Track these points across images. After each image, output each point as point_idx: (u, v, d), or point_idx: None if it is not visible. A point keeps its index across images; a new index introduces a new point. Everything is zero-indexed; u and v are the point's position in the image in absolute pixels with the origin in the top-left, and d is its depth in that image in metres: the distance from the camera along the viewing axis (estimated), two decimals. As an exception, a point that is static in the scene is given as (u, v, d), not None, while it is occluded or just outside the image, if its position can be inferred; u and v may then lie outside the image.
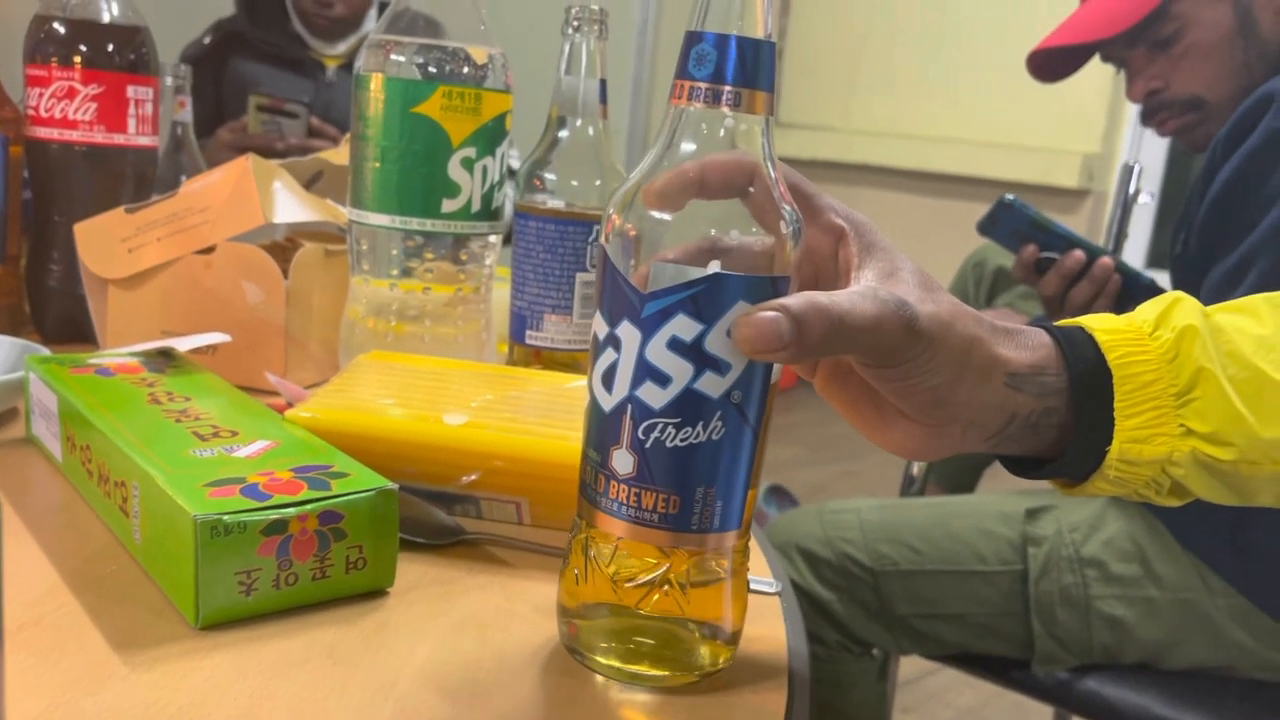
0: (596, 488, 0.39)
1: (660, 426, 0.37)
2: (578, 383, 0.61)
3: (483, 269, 0.71)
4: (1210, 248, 0.98)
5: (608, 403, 0.38)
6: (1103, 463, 0.40)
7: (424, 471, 0.53)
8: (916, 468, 1.20)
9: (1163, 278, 1.13)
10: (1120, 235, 1.44)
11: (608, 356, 0.38)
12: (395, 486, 0.45)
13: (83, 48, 0.80)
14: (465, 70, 0.67)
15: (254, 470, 0.45)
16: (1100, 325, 0.41)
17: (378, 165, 0.67)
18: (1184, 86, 1.07)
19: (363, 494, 0.44)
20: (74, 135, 0.81)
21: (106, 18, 0.81)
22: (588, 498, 0.40)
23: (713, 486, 0.38)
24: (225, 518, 0.40)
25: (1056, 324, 0.42)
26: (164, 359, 0.62)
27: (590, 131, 0.70)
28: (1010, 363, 0.39)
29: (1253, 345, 0.41)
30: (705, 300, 0.36)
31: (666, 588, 0.39)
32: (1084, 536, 0.99)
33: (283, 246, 0.83)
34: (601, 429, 0.39)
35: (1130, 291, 1.05)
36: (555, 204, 0.69)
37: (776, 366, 0.38)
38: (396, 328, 0.70)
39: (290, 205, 0.77)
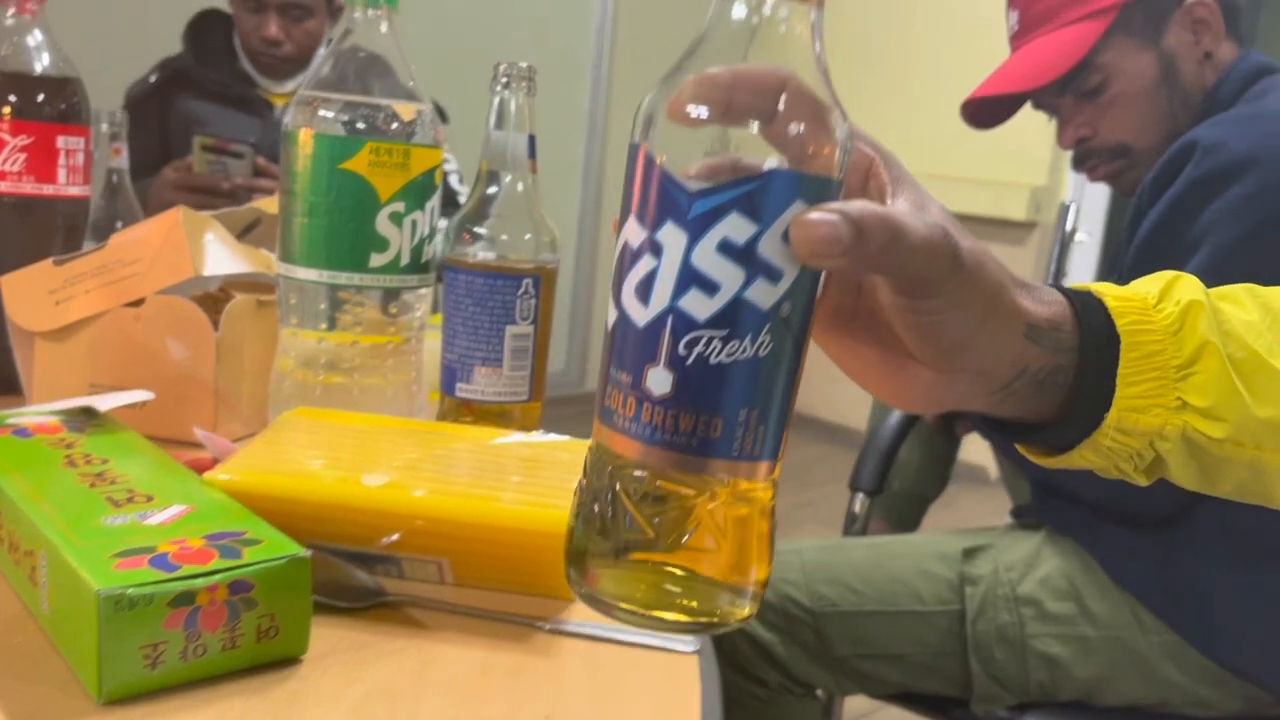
0: (624, 413, 0.36)
1: (705, 340, 0.34)
2: (505, 438, 0.62)
3: (413, 319, 0.71)
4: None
5: (642, 316, 0.35)
6: (1097, 429, 0.40)
7: (343, 533, 0.53)
8: (859, 504, 1.22)
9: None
10: (1059, 273, 1.47)
11: (644, 266, 0.35)
12: (308, 553, 0.45)
13: (12, 98, 0.79)
14: (393, 126, 0.67)
15: (165, 538, 0.45)
16: (1109, 292, 0.41)
17: (305, 220, 0.67)
18: (1111, 134, 1.10)
19: (274, 561, 0.44)
20: (2, 186, 0.80)
21: (38, 68, 0.81)
22: (611, 425, 0.36)
23: (756, 408, 0.35)
24: (130, 591, 0.40)
25: (1069, 287, 0.42)
26: (86, 417, 0.61)
27: (520, 186, 0.71)
28: (1030, 314, 0.39)
29: (1243, 328, 0.42)
30: (761, 199, 0.34)
31: (703, 521, 0.36)
32: (1020, 575, 1.01)
33: (215, 297, 0.82)
34: (633, 346, 0.35)
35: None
36: (485, 257, 0.70)
37: (820, 284, 0.36)
38: (326, 379, 0.70)
39: (222, 257, 0.77)
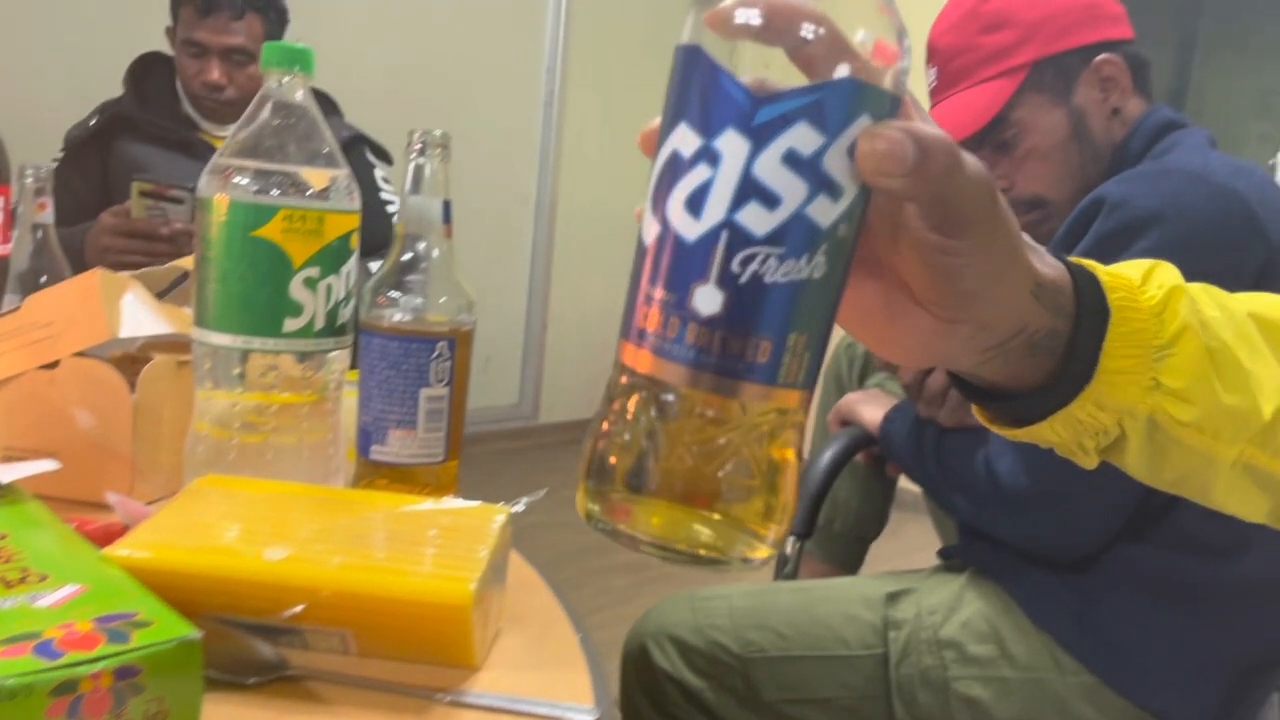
0: (663, 334, 0.33)
1: (761, 257, 0.32)
2: (414, 506, 0.62)
3: (329, 378, 0.72)
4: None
5: (693, 230, 0.33)
6: (1075, 400, 0.41)
7: (246, 606, 0.54)
8: (790, 547, 1.23)
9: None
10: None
11: (697, 176, 0.33)
12: (199, 635, 0.45)
13: (-71, 161, 0.80)
14: (308, 192, 0.68)
15: (53, 623, 0.45)
16: (1099, 268, 0.42)
17: (219, 286, 0.68)
18: (1027, 187, 1.14)
19: (163, 645, 0.44)
20: (-82, 247, 0.80)
21: (-45, 129, 0.81)
22: (646, 347, 0.34)
23: (805, 334, 0.34)
24: (9, 681, 0.40)
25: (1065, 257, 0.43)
26: (-9, 488, 0.61)
27: (435, 250, 0.72)
28: (1038, 273, 0.39)
29: (1211, 320, 0.43)
30: (830, 108, 0.32)
31: (742, 451, 0.34)
32: (942, 619, 1.03)
33: (135, 358, 0.82)
34: (679, 262, 0.33)
35: (982, 379, 1.10)
36: (399, 320, 0.70)
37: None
38: (241, 439, 0.70)
39: (140, 318, 0.77)
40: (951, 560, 1.14)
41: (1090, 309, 0.41)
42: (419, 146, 0.71)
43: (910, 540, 2.60)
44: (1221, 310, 0.44)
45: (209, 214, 0.68)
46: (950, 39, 1.15)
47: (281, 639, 0.55)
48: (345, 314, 0.71)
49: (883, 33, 0.33)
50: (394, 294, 0.71)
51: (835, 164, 0.32)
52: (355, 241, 0.71)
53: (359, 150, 1.91)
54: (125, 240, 1.55)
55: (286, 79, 0.70)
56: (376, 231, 1.56)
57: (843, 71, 0.32)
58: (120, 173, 1.79)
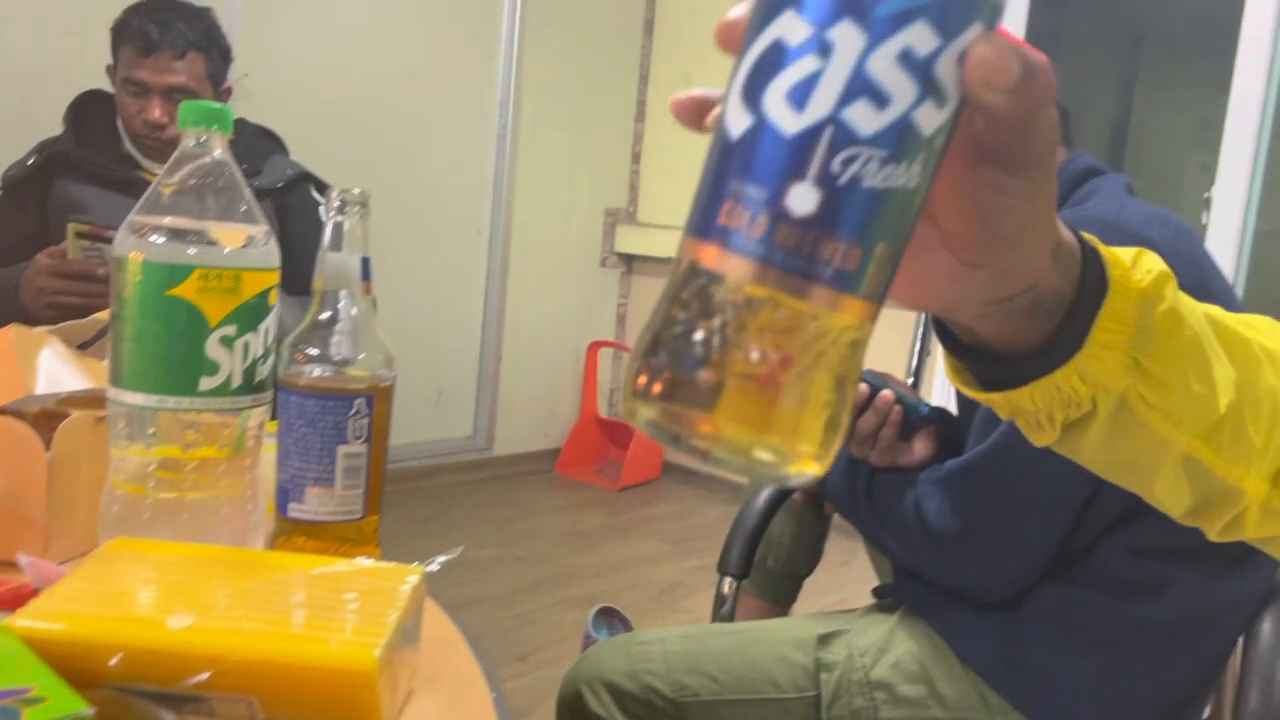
0: (747, 232, 0.32)
1: (863, 159, 0.31)
2: (327, 568, 0.62)
3: (246, 433, 0.72)
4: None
5: (794, 124, 0.31)
6: (1059, 368, 0.41)
7: (150, 675, 0.53)
8: (727, 586, 1.24)
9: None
10: (922, 352, 1.54)
11: (804, 66, 0.31)
12: (91, 713, 0.45)
13: None
14: (225, 251, 0.68)
15: (-59, 701, 0.44)
16: (1100, 243, 0.43)
17: (134, 345, 0.68)
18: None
19: (53, 723, 0.44)
20: None
21: None
22: (726, 245, 0.32)
23: (892, 245, 0.33)
24: (-112, 768, 0.40)
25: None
26: (-106, 554, 0.60)
27: (354, 309, 0.72)
28: (1060, 234, 0.40)
29: (1186, 311, 0.44)
30: (953, 9, 0.31)
31: (819, 361, 0.32)
32: (873, 660, 1.04)
33: (53, 413, 0.82)
34: (775, 158, 0.32)
35: (910, 420, 1.12)
36: (317, 377, 0.71)
37: None
38: (156, 496, 0.70)
39: (57, 374, 0.77)
40: (885, 599, 1.15)
41: (1092, 279, 0.41)
42: (338, 204, 0.71)
43: (860, 570, 2.63)
44: (1189, 306, 0.46)
45: (124, 273, 0.68)
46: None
47: (187, 707, 0.55)
48: (264, 371, 0.71)
49: None
50: (312, 350, 0.71)
51: (946, 69, 0.32)
52: (274, 298, 0.71)
53: (304, 188, 1.91)
54: (61, 281, 1.53)
55: (204, 137, 0.70)
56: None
57: None
58: (59, 212, 1.77)
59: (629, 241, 3.94)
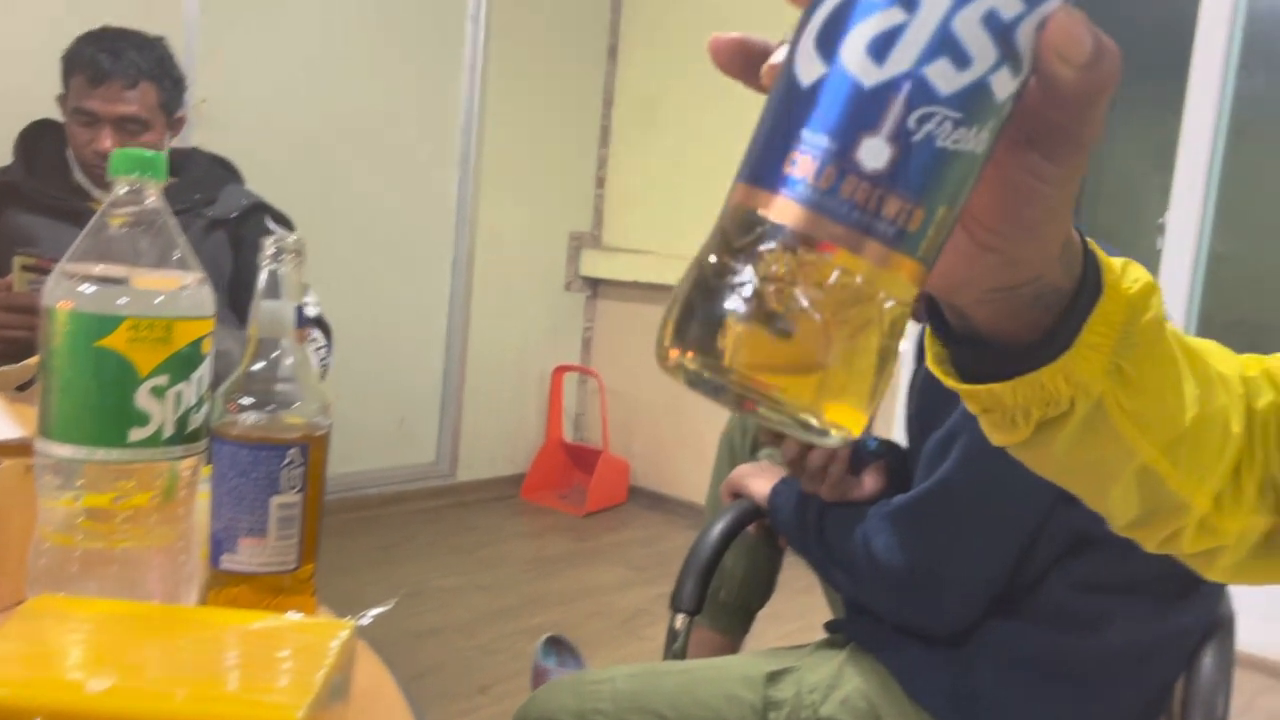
0: (815, 183, 0.31)
1: (939, 118, 0.31)
2: (257, 624, 0.62)
3: (178, 480, 0.71)
4: (927, 416, 1.07)
5: (873, 76, 0.31)
6: (1048, 364, 0.42)
7: (66, 739, 0.52)
8: (679, 622, 1.24)
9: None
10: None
11: (887, 18, 0.31)
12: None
13: None
14: (156, 301, 0.68)
15: None
16: (1095, 246, 0.44)
17: (62, 396, 0.67)
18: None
19: (-43, 798, 0.43)
20: None
21: None
22: (792, 194, 0.31)
23: (953, 210, 0.32)
24: None
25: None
26: None
27: (289, 359, 0.72)
28: (1070, 230, 0.41)
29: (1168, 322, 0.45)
30: None
31: (875, 321, 0.32)
32: (822, 697, 1.04)
33: (-17, 461, 0.80)
34: (850, 109, 0.31)
35: (859, 455, 1.12)
36: (250, 426, 0.70)
37: None
38: (85, 547, 0.69)
39: (-13, 422, 0.76)
40: (836, 634, 1.15)
41: (1090, 280, 0.42)
42: (272, 252, 0.71)
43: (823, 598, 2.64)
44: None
45: (52, 323, 0.67)
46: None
47: (106, 771, 0.54)
48: (196, 420, 0.70)
49: None
50: (245, 400, 0.70)
51: (1024, 37, 0.32)
52: (208, 346, 0.71)
53: (259, 218, 1.90)
54: (6, 315, 1.51)
55: (137, 184, 0.70)
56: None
57: None
58: (7, 243, 1.74)
59: (594, 265, 3.95)
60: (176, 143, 1.91)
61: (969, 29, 0.31)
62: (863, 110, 0.31)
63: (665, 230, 3.75)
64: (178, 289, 0.69)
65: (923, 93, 0.31)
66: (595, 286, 4.03)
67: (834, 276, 0.31)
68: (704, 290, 0.32)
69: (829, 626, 1.19)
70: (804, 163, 0.31)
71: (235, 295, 1.73)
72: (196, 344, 0.70)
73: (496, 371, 3.75)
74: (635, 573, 3.14)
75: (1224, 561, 0.53)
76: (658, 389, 3.83)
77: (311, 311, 1.88)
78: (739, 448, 1.49)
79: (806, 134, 0.31)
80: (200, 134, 2.57)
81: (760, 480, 1.26)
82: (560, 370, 3.89)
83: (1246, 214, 2.95)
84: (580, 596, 2.90)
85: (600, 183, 4.02)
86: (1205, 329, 2.93)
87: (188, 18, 2.79)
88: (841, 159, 0.31)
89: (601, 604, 2.87)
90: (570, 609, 2.80)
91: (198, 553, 0.74)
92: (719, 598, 1.40)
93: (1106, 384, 0.43)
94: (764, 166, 0.32)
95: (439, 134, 3.48)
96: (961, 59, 0.31)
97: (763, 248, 0.31)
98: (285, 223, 1.96)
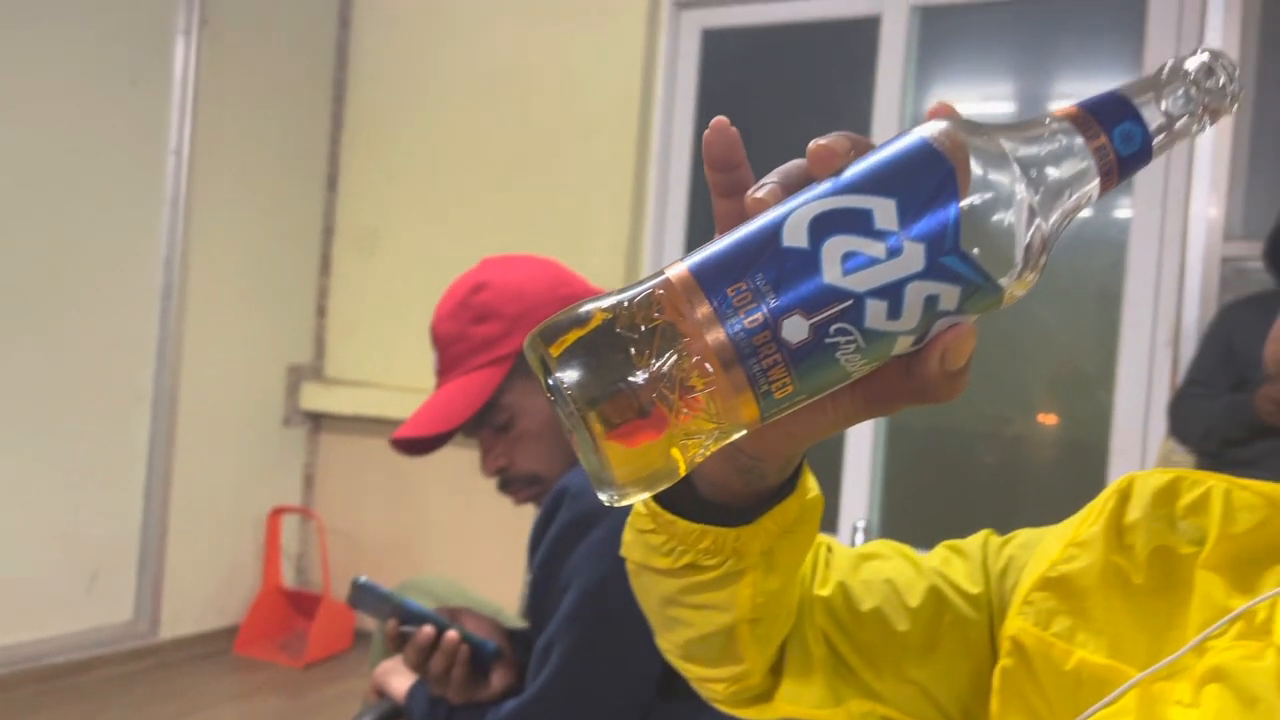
0: (739, 316, 0.37)
1: (850, 338, 0.37)
2: None
3: None
4: (537, 618, 1.09)
5: (832, 278, 0.37)
6: (728, 527, 0.50)
7: None
8: None
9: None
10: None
11: (869, 246, 0.37)
12: None
13: None
14: None
15: None
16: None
17: None
18: (524, 465, 1.21)
19: None
20: None
21: None
22: (719, 312, 0.37)
23: (809, 400, 0.40)
24: None
25: None
26: None
27: None
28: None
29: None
30: (976, 299, 0.38)
31: (693, 425, 0.38)
32: None
33: None
34: (801, 287, 0.37)
35: (479, 656, 1.13)
36: None
37: None
38: None
39: None
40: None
41: (793, 479, 0.51)
42: None
43: None
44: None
45: None
46: (446, 327, 1.21)
47: None
48: None
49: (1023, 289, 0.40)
50: None
51: (939, 325, 0.39)
52: None
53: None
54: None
55: None
56: None
57: (1002, 285, 0.39)
58: None
59: (315, 399, 3.81)
60: None
61: (915, 298, 0.38)
62: (810, 295, 0.37)
63: (390, 359, 3.69)
64: None
65: (856, 315, 0.38)
66: (318, 421, 3.89)
67: (705, 391, 0.37)
68: (608, 336, 0.38)
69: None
70: (745, 296, 0.38)
71: None
72: None
73: (206, 515, 3.52)
74: None
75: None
76: (385, 526, 3.71)
77: None
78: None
79: (760, 278, 0.38)
80: None
81: (400, 679, 1.24)
82: (277, 512, 3.70)
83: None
84: (288, 765, 2.72)
85: (322, 312, 3.92)
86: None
87: None
88: (771, 313, 0.37)
89: None
90: (275, 781, 2.61)
91: None
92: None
93: (757, 559, 0.51)
94: (714, 275, 0.38)
95: (135, 264, 3.29)
96: (895, 312, 0.38)
97: (667, 336, 0.37)
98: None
